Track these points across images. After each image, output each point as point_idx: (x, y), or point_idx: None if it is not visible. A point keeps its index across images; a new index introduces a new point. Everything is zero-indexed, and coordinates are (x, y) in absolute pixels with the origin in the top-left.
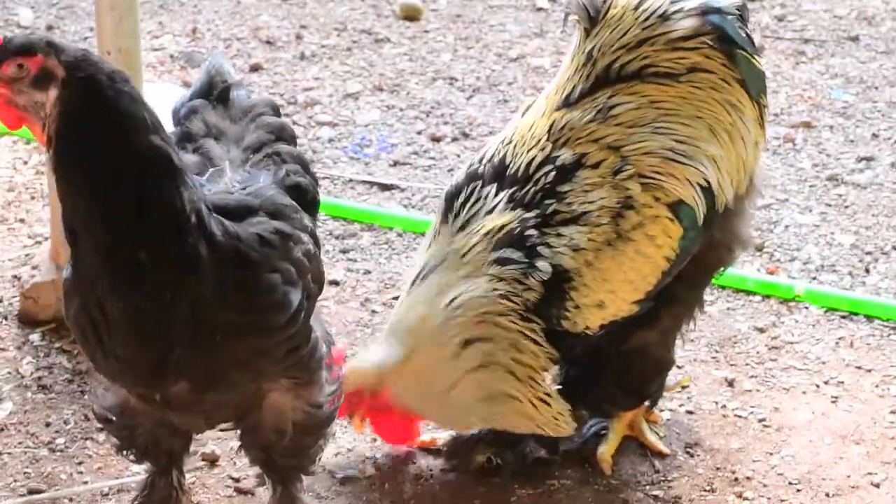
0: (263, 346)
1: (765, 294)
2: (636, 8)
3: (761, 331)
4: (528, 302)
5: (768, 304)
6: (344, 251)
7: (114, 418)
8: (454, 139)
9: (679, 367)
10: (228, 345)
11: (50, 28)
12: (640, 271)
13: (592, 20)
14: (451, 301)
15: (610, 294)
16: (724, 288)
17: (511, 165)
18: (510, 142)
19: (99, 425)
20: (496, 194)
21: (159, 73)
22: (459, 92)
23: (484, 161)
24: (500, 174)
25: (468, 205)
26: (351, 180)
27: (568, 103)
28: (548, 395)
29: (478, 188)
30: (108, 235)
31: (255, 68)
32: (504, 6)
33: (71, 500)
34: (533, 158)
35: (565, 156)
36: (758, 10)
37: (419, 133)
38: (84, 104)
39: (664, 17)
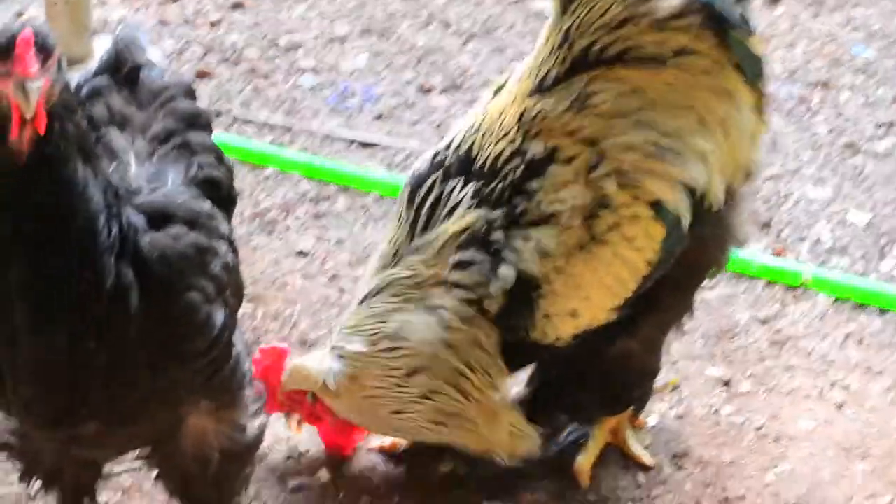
0: (184, 375)
1: (770, 279)
2: None
3: (763, 322)
4: (488, 312)
5: (772, 292)
6: (316, 216)
7: (14, 442)
8: (444, 90)
9: (672, 364)
10: (145, 379)
11: None
12: (618, 276)
13: None
14: (401, 328)
15: (584, 301)
16: (725, 270)
17: (478, 157)
18: (478, 129)
19: None
20: (462, 189)
21: (135, 7)
22: (454, 37)
23: (450, 149)
24: (466, 166)
25: (431, 198)
26: (328, 136)
27: (541, 89)
28: (496, 413)
29: (441, 181)
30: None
31: (238, 5)
32: None
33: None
34: (501, 151)
35: (536, 149)
36: None
37: (408, 83)
38: None
39: None
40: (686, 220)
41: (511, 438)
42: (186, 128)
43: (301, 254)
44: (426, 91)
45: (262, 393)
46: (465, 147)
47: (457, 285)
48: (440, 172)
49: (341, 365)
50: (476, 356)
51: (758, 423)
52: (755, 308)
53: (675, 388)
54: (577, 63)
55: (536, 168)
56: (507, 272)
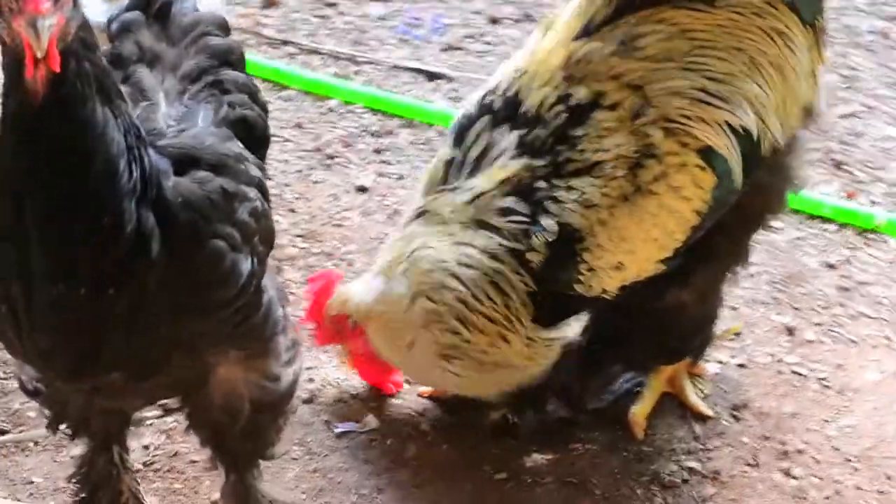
0: (209, 326)
1: (841, 222)
2: None
3: (832, 267)
4: (530, 263)
5: (843, 235)
6: (377, 151)
7: (42, 389)
8: (516, 21)
9: (734, 309)
10: (169, 328)
11: None
12: (665, 227)
13: None
14: (418, 252)
15: (629, 255)
16: (795, 212)
17: (524, 102)
18: (525, 73)
19: None
20: (507, 135)
21: None
22: None
23: (498, 92)
24: (512, 111)
25: (479, 143)
26: (395, 66)
27: (587, 31)
28: (508, 330)
29: (489, 126)
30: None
31: None
32: None
33: (36, 442)
34: (546, 96)
35: (581, 95)
36: None
37: (477, 13)
38: None
39: None
40: (738, 167)
41: (526, 354)
42: (219, 65)
43: (361, 189)
44: (495, 21)
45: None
46: (512, 91)
47: (499, 232)
48: (488, 117)
49: (373, 286)
50: (495, 293)
51: (822, 373)
52: (825, 252)
53: (737, 335)
54: (624, 4)
55: (580, 115)
56: (549, 223)
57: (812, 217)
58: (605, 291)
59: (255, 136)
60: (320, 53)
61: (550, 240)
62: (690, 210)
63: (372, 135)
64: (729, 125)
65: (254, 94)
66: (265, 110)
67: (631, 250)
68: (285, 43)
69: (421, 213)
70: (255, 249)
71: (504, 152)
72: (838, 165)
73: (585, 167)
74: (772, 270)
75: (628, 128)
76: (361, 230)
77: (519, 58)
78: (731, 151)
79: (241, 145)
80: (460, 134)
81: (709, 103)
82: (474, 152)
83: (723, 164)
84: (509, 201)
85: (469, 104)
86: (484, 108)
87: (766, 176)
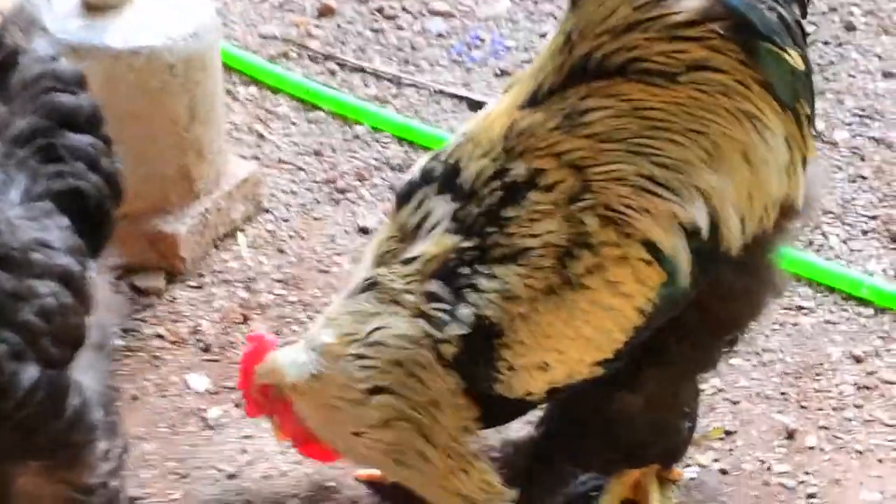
0: None
1: (880, 306)
2: None
3: (857, 360)
4: (446, 355)
5: (879, 322)
6: (393, 187)
7: None
8: None
9: (734, 404)
10: None
11: None
12: (600, 326)
13: None
14: (371, 333)
15: (556, 354)
16: (832, 291)
17: (462, 172)
18: (470, 138)
19: None
20: (443, 207)
21: None
22: None
23: (441, 158)
24: (451, 181)
25: (418, 212)
26: (439, 91)
27: (534, 100)
28: (470, 463)
29: (428, 195)
30: None
31: None
32: None
33: None
34: (483, 169)
35: (518, 171)
36: None
37: (542, 37)
38: None
39: None
40: (686, 265)
41: (479, 494)
42: (59, 127)
43: (362, 230)
44: None
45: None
46: (454, 158)
47: (426, 317)
48: (429, 183)
49: (309, 358)
50: (442, 400)
51: (813, 487)
52: (853, 342)
53: (720, 439)
54: (575, 72)
55: (515, 194)
56: (465, 314)
57: (848, 298)
58: (529, 394)
59: (90, 212)
60: (363, 72)
61: (464, 333)
62: (632, 308)
63: (392, 168)
64: (678, 221)
65: (94, 162)
66: (112, 180)
67: (558, 349)
68: (328, 58)
69: (371, 285)
70: (46, 353)
71: (438, 225)
72: (892, 238)
73: (512, 254)
74: (788, 359)
75: (562, 212)
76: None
77: (472, 119)
78: (677, 249)
79: (62, 223)
80: (401, 202)
81: (655, 193)
82: (413, 221)
83: (671, 259)
84: (434, 285)
85: (412, 171)
86: (426, 175)
87: (733, 276)
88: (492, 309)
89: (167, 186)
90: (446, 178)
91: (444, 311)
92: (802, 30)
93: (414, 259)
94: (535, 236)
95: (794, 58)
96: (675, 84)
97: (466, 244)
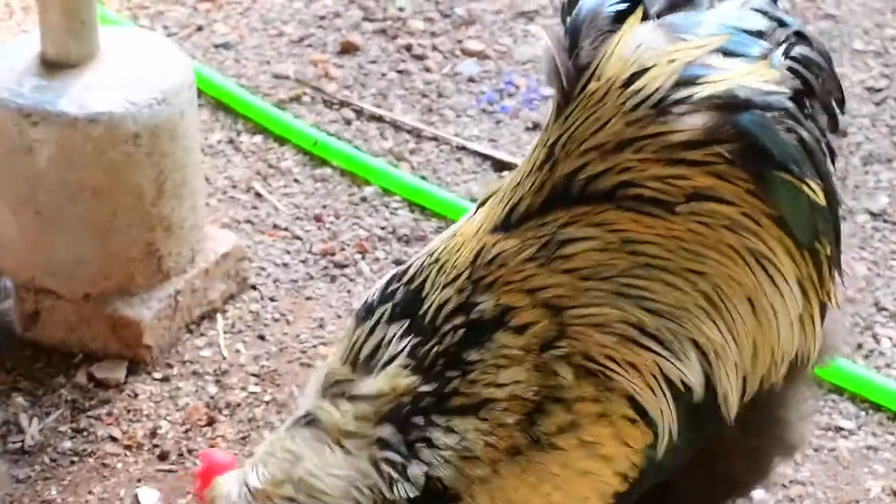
0: None
1: None
2: (625, 85)
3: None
4: None
5: None
6: (398, 262)
7: None
8: None
9: None
10: None
11: None
12: (575, 493)
13: (566, 93)
14: (307, 477)
15: None
16: (878, 409)
17: (426, 300)
18: (437, 259)
19: None
20: (401, 338)
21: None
22: None
23: (404, 279)
24: (412, 309)
25: (373, 339)
26: (462, 147)
27: (507, 224)
28: None
29: (384, 320)
30: None
31: None
32: None
33: None
34: (447, 301)
35: (485, 306)
36: None
37: None
38: None
39: (661, 109)
40: (674, 427)
41: None
42: None
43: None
44: None
45: None
46: (418, 281)
47: (375, 467)
48: (388, 308)
49: (241, 494)
50: None
51: None
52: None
53: None
54: (557, 194)
55: (480, 333)
56: (415, 474)
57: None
58: None
59: None
60: (381, 121)
61: (413, 496)
62: (612, 472)
63: (399, 239)
64: (667, 378)
65: None
66: None
67: None
68: (343, 105)
69: (312, 421)
70: None
71: (394, 360)
72: None
73: (473, 404)
74: (819, 494)
75: (533, 360)
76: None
77: (440, 238)
78: (663, 411)
79: None
80: (358, 322)
81: (642, 344)
82: (368, 348)
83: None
84: (387, 430)
85: (372, 290)
86: (386, 296)
87: (735, 434)
88: (447, 470)
89: (132, 266)
90: (407, 305)
91: (394, 464)
92: (831, 151)
93: (364, 397)
94: (500, 386)
95: (814, 191)
96: (673, 215)
97: (423, 388)
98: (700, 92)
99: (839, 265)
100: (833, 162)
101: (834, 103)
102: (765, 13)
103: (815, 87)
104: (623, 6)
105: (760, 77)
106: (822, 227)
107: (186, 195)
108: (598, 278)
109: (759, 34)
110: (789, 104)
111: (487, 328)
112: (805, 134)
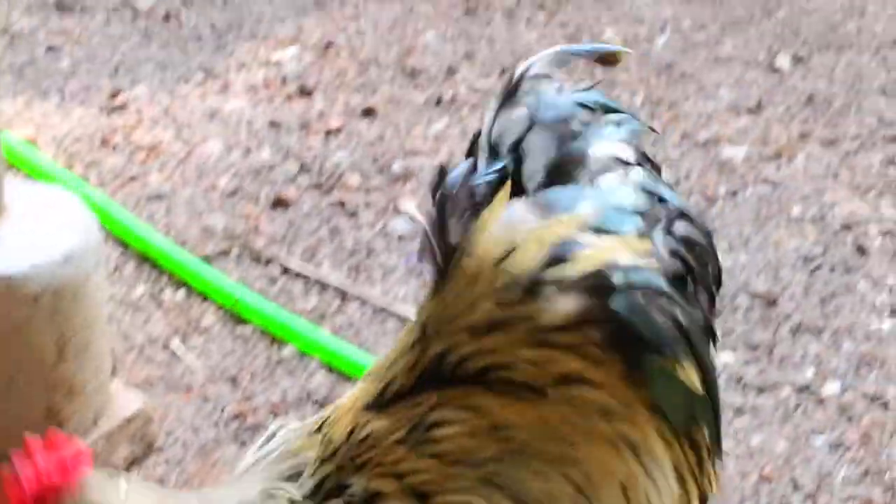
0: None
1: None
2: (496, 263)
3: None
4: None
5: None
6: None
7: None
8: None
9: None
10: None
11: None
12: None
13: (439, 270)
14: None
15: None
16: None
17: (302, 475)
18: (318, 430)
19: None
20: None
21: (257, 99)
22: None
23: (293, 448)
24: (293, 480)
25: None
26: (384, 310)
27: (380, 402)
28: None
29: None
30: None
31: (369, 112)
32: (733, 58)
33: None
34: (324, 479)
35: (356, 488)
36: None
37: None
38: None
39: (530, 289)
40: None
41: None
42: None
43: None
44: None
45: None
46: (303, 451)
47: None
48: (266, 470)
49: None
50: None
51: None
52: None
53: None
54: (427, 375)
55: None
56: None
57: None
58: None
59: None
60: (306, 279)
61: None
62: None
63: (314, 402)
64: None
65: None
66: None
67: None
68: (270, 261)
69: None
70: None
71: None
72: None
73: None
74: None
75: None
76: None
77: (330, 407)
78: None
79: None
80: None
81: None
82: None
83: None
84: None
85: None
86: (282, 456)
87: None
88: None
89: (31, 430)
90: (287, 475)
91: None
92: (712, 333)
93: None
94: None
95: (689, 376)
96: (543, 400)
97: None
98: (570, 271)
99: (719, 452)
100: (713, 343)
101: (713, 283)
102: (645, 189)
103: (695, 267)
104: (492, 178)
105: (632, 252)
106: (700, 412)
107: (90, 357)
108: (465, 464)
109: (636, 211)
110: (663, 283)
111: None
112: (681, 315)
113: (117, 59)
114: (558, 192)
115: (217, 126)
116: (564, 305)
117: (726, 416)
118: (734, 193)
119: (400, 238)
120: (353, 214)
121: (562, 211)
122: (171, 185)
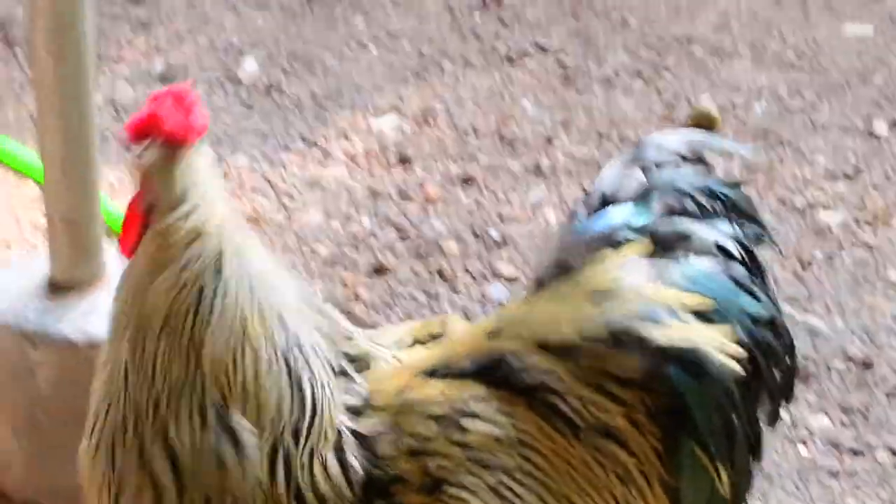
0: None
1: None
2: (598, 298)
3: None
4: None
5: None
6: None
7: None
8: None
9: None
10: None
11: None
12: None
13: (541, 281)
14: None
15: None
16: None
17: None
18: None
19: None
20: None
21: (356, 168)
22: None
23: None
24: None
25: None
26: None
27: (434, 373)
28: None
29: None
30: None
31: (469, 180)
32: (832, 126)
33: None
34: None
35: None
36: None
37: None
38: None
39: (616, 335)
40: None
41: None
42: None
43: None
44: None
45: None
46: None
47: None
48: None
49: None
50: None
51: None
52: None
53: None
54: (486, 367)
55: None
56: None
57: None
58: None
59: None
60: None
61: None
62: None
63: None
64: None
65: None
66: None
67: None
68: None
69: None
70: None
71: None
72: None
73: None
74: None
75: None
76: None
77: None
78: None
79: None
80: None
81: None
82: None
83: None
84: None
85: None
86: None
87: None
88: None
89: None
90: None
91: None
92: (758, 444)
93: None
94: None
95: (721, 477)
96: (575, 440)
97: None
98: (656, 335)
99: None
100: (757, 456)
101: (780, 396)
102: (741, 285)
103: (766, 376)
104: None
105: (719, 346)
106: None
107: None
108: (483, 466)
109: (729, 307)
110: (732, 384)
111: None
112: (735, 419)
113: (219, 128)
114: (682, 268)
115: (317, 194)
116: (634, 362)
117: (823, 478)
118: (830, 258)
119: (499, 305)
120: (450, 280)
121: (675, 284)
122: (272, 250)
